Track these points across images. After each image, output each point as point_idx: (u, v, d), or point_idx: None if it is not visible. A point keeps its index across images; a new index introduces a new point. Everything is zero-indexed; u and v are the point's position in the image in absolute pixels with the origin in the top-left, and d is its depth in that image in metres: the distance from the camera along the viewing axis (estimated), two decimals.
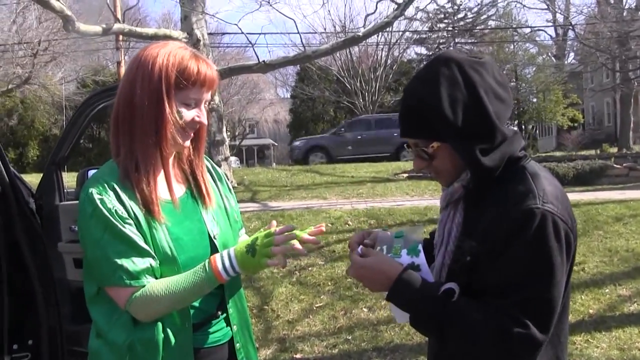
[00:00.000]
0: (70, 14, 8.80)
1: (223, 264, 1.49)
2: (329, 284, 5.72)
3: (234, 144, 36.95)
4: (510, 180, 1.39)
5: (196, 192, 1.66)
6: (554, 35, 31.86)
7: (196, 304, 1.56)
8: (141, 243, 1.46)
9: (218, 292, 1.62)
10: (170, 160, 1.63)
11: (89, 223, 1.47)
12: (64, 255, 2.77)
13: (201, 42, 10.57)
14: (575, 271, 5.58)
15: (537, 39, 30.68)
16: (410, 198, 9.34)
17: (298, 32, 12.70)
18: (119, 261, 1.44)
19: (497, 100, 1.39)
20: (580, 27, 24.51)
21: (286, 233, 1.50)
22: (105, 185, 1.49)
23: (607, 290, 5.24)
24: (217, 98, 11.03)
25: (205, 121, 1.59)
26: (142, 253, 1.46)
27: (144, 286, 1.46)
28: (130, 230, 1.46)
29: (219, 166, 10.48)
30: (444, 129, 1.38)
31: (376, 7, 12.99)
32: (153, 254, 1.48)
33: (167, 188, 1.59)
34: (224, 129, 11.31)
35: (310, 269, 6.07)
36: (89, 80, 28.00)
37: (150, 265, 1.47)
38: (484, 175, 1.39)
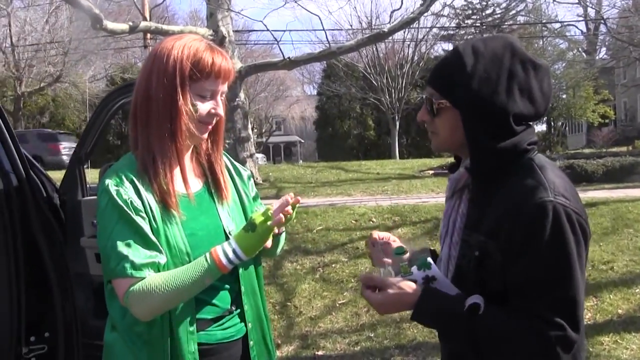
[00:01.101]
0: (98, 13, 8.92)
1: (224, 251, 1.48)
2: (352, 280, 5.69)
3: (261, 141, 37.15)
4: (518, 172, 1.36)
5: (213, 187, 1.65)
6: (584, 30, 31.25)
7: (210, 299, 1.55)
8: (151, 236, 1.46)
9: (234, 288, 1.61)
10: (188, 153, 1.63)
11: (103, 214, 1.47)
12: (86, 250, 2.79)
13: (227, 39, 10.61)
14: (603, 270, 5.51)
15: (567, 34, 30.13)
16: (435, 195, 9.25)
17: (323, 29, 12.64)
18: (125, 251, 1.43)
19: (527, 100, 1.36)
20: (613, 21, 23.97)
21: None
22: (123, 177, 1.50)
23: (637, 290, 5.11)
24: (242, 95, 11.07)
25: (221, 113, 1.58)
26: (150, 246, 1.46)
27: (143, 278, 1.44)
28: (142, 223, 1.46)
29: (244, 163, 10.56)
30: (462, 94, 1.36)
31: (402, 3, 12.95)
32: (161, 249, 1.47)
33: (184, 182, 1.58)
34: (249, 126, 11.35)
35: (333, 265, 6.06)
36: (117, 78, 28.37)
37: (157, 260, 1.46)
38: (481, 159, 1.37)
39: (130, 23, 9.78)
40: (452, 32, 31.49)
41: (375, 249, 1.58)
